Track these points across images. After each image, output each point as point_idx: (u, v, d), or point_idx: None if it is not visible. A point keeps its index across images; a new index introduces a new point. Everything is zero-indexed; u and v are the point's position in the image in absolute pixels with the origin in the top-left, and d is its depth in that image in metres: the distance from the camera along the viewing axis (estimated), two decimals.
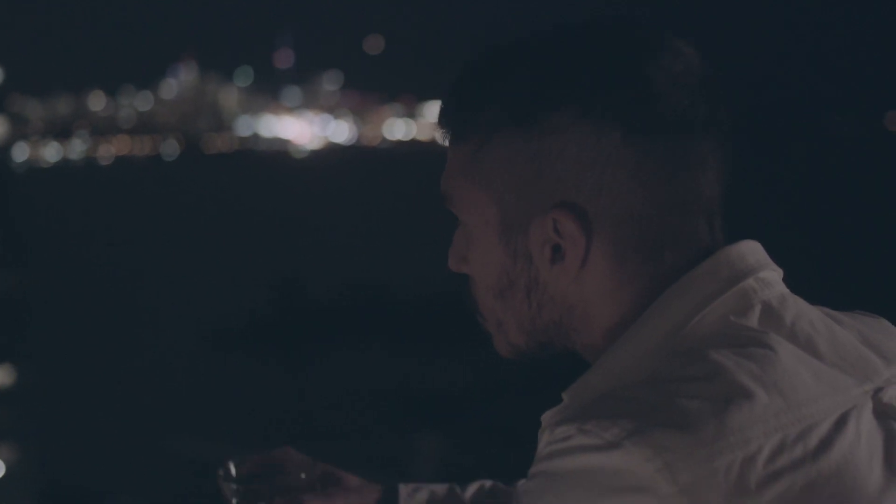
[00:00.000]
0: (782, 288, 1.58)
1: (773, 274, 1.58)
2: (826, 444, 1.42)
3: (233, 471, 2.00)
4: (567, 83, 1.51)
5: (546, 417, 1.54)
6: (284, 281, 27.27)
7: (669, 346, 1.50)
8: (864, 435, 1.45)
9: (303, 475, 2.00)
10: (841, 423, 1.44)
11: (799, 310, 1.56)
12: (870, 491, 1.42)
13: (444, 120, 1.62)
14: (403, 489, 2.09)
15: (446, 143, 1.62)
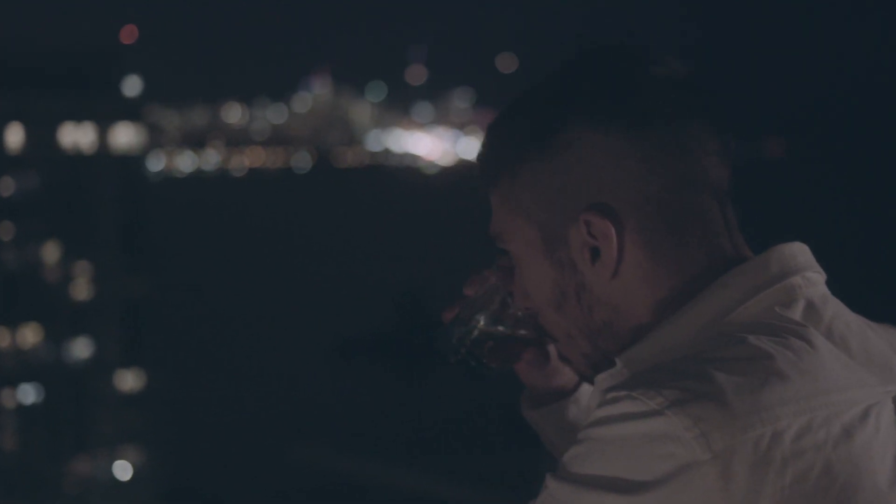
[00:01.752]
0: (824, 289, 1.74)
1: (818, 276, 1.74)
2: (848, 432, 1.56)
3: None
4: (569, 103, 1.73)
5: (599, 378, 1.73)
6: (409, 295, 27.52)
7: (715, 328, 1.66)
8: (882, 430, 1.60)
9: (518, 313, 1.91)
10: (864, 416, 1.59)
11: (837, 310, 1.71)
12: (880, 483, 1.56)
13: (481, 173, 1.83)
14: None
15: (487, 193, 1.82)
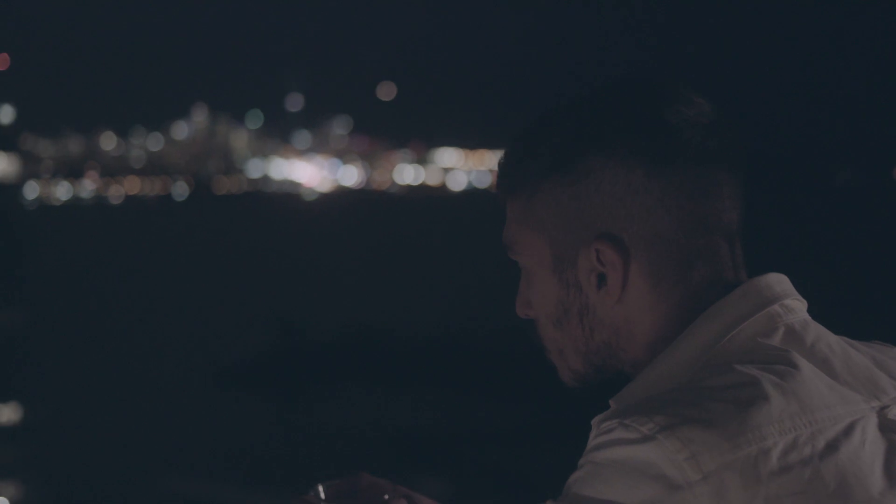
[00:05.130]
0: (805, 315, 1.83)
1: (798, 303, 1.83)
2: (833, 446, 1.65)
3: (322, 493, 2.13)
4: (596, 133, 1.80)
5: (595, 421, 1.77)
6: (289, 322, 27.27)
7: (703, 360, 1.76)
8: (868, 442, 1.69)
9: (386, 496, 2.15)
10: (849, 430, 1.68)
11: (819, 334, 1.81)
12: (872, 492, 1.65)
13: (501, 181, 1.91)
14: None
15: (504, 202, 1.91)
